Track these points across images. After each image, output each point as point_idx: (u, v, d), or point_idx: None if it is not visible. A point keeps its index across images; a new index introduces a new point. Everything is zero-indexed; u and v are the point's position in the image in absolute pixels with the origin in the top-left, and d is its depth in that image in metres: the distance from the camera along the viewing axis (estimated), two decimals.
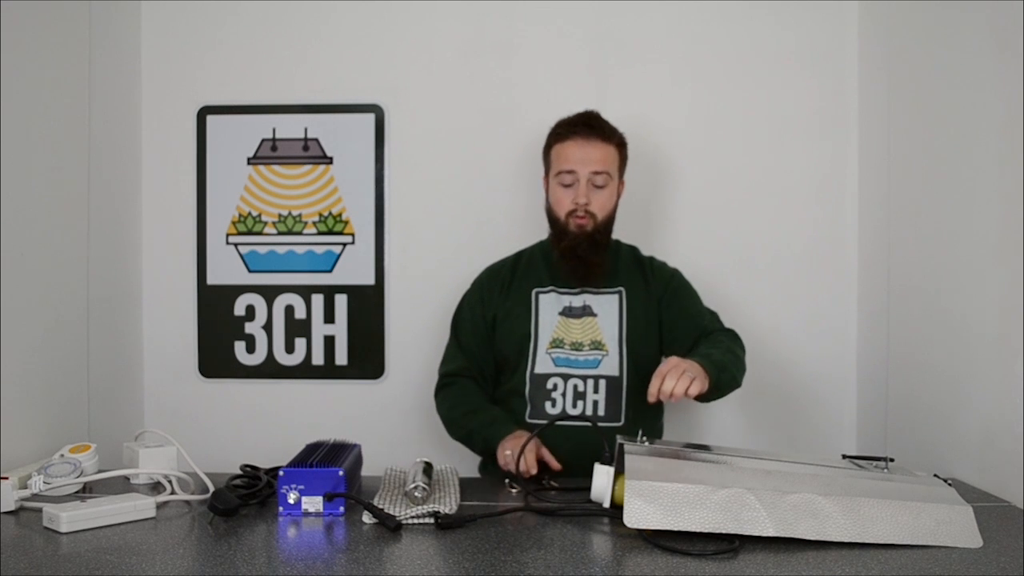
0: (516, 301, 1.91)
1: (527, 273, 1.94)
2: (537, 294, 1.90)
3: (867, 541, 1.25)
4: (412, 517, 1.35)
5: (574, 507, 1.44)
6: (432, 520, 1.35)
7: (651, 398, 1.56)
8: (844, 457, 1.56)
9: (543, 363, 1.85)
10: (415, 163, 2.30)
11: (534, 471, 1.63)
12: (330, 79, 2.30)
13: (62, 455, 1.57)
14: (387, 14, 2.29)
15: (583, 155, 1.84)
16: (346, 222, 2.31)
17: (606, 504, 1.40)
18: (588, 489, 1.43)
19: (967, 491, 1.56)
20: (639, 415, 1.84)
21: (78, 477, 1.52)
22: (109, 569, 1.14)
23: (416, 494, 1.40)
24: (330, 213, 2.31)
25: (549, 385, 1.84)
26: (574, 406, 1.83)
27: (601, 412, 1.83)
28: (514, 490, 1.57)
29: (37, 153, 1.81)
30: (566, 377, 1.84)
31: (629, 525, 1.26)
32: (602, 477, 1.41)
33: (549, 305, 1.89)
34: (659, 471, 1.33)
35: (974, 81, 1.70)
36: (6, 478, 1.44)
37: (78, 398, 1.98)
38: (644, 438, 1.49)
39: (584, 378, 1.84)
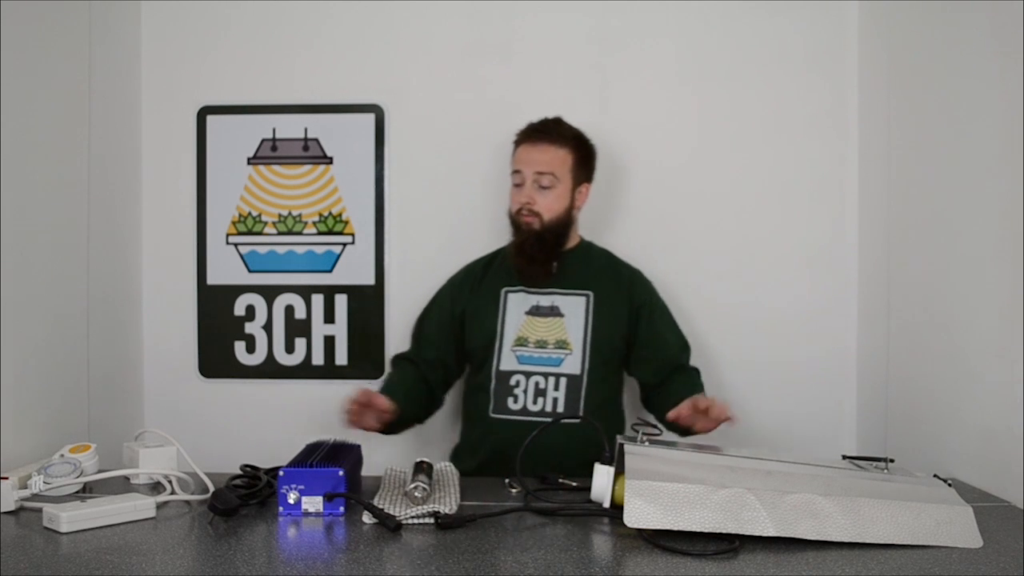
0: (486, 299, 1.98)
1: (500, 272, 2.02)
2: (507, 293, 1.97)
3: (867, 541, 1.26)
4: (412, 517, 1.35)
5: (574, 507, 1.44)
6: (432, 520, 1.35)
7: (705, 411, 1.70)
8: (844, 458, 1.56)
9: (507, 360, 1.92)
10: (415, 163, 2.30)
11: (370, 424, 1.79)
12: (330, 79, 2.30)
13: (62, 455, 1.57)
14: (387, 14, 2.29)
15: (528, 157, 1.94)
16: (346, 222, 2.31)
17: (606, 504, 1.40)
18: (588, 489, 1.43)
19: (967, 491, 1.56)
20: (596, 413, 1.88)
21: (78, 477, 1.52)
22: (109, 569, 1.14)
23: (416, 494, 1.40)
24: (330, 213, 2.31)
25: (512, 382, 1.91)
26: (534, 402, 1.90)
27: (560, 409, 1.90)
28: (514, 490, 1.57)
29: (37, 153, 1.81)
30: (528, 374, 1.91)
31: (629, 525, 1.26)
32: (602, 477, 1.41)
33: (517, 304, 1.96)
34: (659, 471, 1.33)
35: (974, 81, 1.70)
36: (6, 478, 1.44)
37: (78, 398, 1.98)
38: (644, 438, 1.49)
39: (546, 375, 1.91)
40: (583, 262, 2.01)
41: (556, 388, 1.90)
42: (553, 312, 1.94)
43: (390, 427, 1.87)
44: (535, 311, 1.95)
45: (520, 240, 1.94)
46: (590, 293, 1.96)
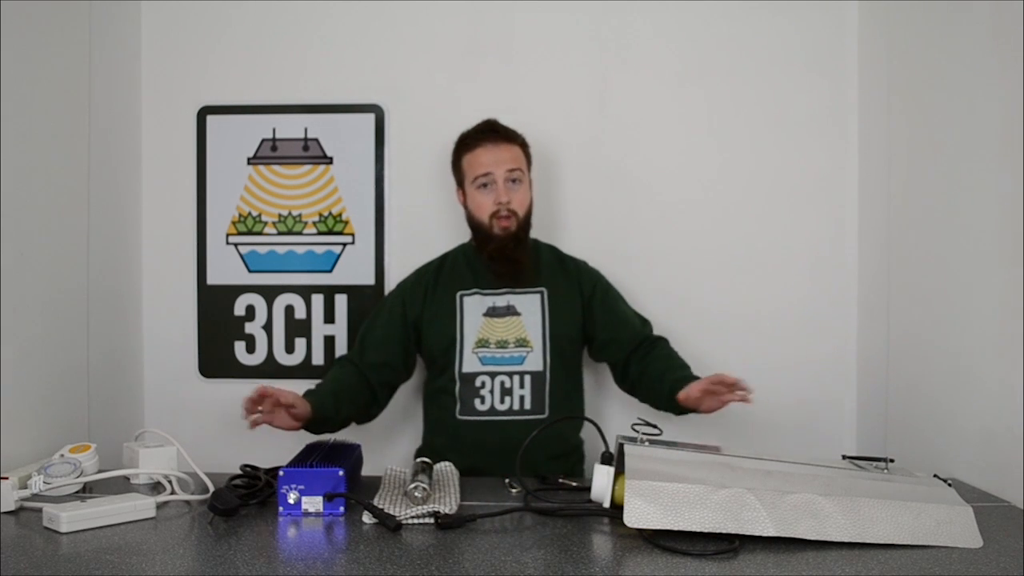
0: (441, 305, 1.99)
1: (452, 276, 2.02)
2: (461, 297, 1.98)
3: (867, 541, 1.26)
4: (412, 517, 1.35)
5: (574, 507, 1.44)
6: (432, 520, 1.35)
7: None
8: (844, 457, 1.56)
9: (470, 362, 1.94)
10: (415, 163, 2.30)
11: (280, 423, 1.71)
12: (330, 79, 2.30)
13: (62, 455, 1.57)
14: (387, 14, 2.29)
15: (496, 157, 1.94)
16: (346, 222, 2.31)
17: (606, 504, 1.40)
18: (588, 489, 1.43)
19: (967, 491, 1.57)
20: (562, 407, 1.93)
21: (78, 477, 1.52)
22: (109, 569, 1.14)
23: (416, 494, 1.40)
24: (330, 213, 2.31)
25: (477, 383, 1.93)
26: (502, 402, 1.92)
27: (527, 406, 1.92)
28: (514, 490, 1.58)
29: (37, 153, 1.81)
30: (493, 375, 1.93)
31: (629, 525, 1.26)
32: (602, 477, 1.41)
33: (473, 307, 1.97)
34: (659, 471, 1.33)
35: (974, 81, 1.70)
36: (6, 478, 1.44)
37: (78, 398, 1.98)
38: (645, 438, 1.49)
39: (510, 374, 1.93)
40: (534, 260, 2.02)
41: (522, 386, 1.93)
42: (510, 312, 1.96)
43: (313, 425, 1.81)
44: (492, 312, 1.96)
45: (500, 245, 1.94)
46: (544, 289, 1.99)
